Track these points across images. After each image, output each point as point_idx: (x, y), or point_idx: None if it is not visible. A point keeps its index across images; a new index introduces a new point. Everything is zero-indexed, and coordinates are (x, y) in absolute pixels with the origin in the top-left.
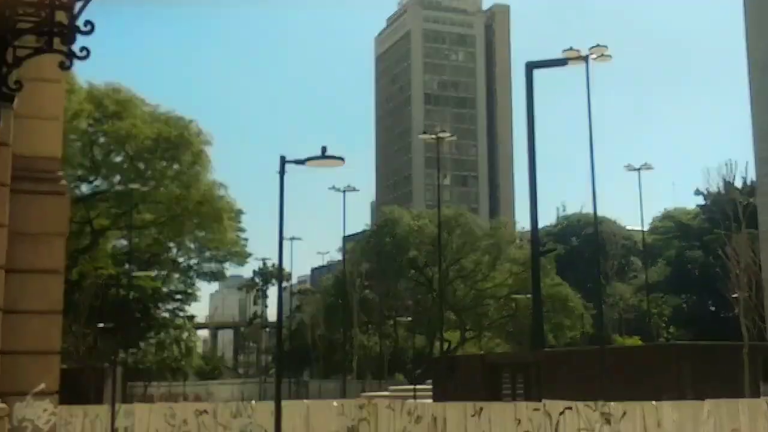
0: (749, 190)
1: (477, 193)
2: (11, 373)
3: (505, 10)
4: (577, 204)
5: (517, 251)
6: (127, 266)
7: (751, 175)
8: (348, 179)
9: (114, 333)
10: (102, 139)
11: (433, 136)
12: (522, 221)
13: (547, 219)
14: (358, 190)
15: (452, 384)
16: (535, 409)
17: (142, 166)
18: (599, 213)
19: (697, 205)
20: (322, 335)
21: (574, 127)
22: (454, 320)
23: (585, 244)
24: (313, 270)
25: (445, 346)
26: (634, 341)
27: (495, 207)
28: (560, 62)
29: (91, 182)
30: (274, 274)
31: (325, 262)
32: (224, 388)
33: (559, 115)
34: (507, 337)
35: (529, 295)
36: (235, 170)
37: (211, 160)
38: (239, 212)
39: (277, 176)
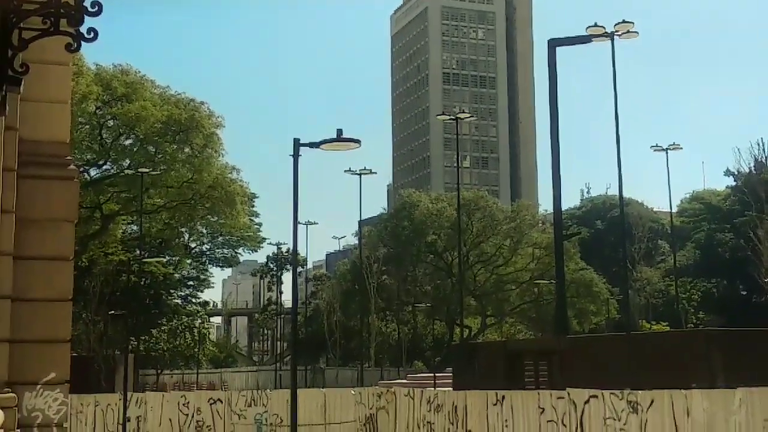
0: None
1: (498, 174)
2: (20, 362)
3: None
4: (602, 185)
5: (540, 235)
6: (137, 252)
7: None
8: (364, 162)
9: (125, 320)
10: (111, 122)
11: (452, 116)
12: (545, 204)
13: (570, 201)
14: (374, 173)
15: (473, 372)
16: (559, 398)
17: (152, 149)
18: (625, 195)
19: (727, 186)
20: (339, 322)
21: (599, 106)
22: (474, 306)
23: (610, 227)
24: (329, 255)
25: (466, 332)
26: (662, 327)
27: (516, 189)
28: (584, 39)
29: (100, 166)
30: (289, 259)
31: (341, 247)
32: (239, 376)
33: (583, 93)
34: (529, 324)
35: (552, 280)
36: (249, 154)
37: (223, 142)
38: (252, 196)
39: (291, 159)
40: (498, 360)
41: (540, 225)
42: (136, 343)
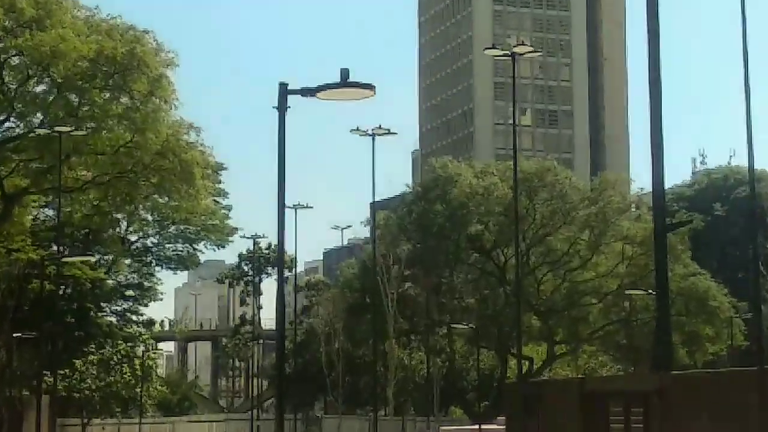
0: None
1: (572, 137)
2: None
3: None
4: (723, 153)
5: (633, 225)
6: (54, 248)
7: None
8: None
9: (37, 346)
10: (15, 59)
11: (506, 50)
12: (640, 179)
13: (678, 175)
14: (393, 134)
15: (536, 422)
16: None
17: (74, 98)
18: (757, 166)
19: None
20: (342, 350)
21: (718, 54)
22: (537, 328)
23: (734, 213)
24: (328, 253)
25: (525, 366)
26: None
27: (599, 158)
28: None
29: (0, 123)
30: (271, 259)
31: (345, 242)
32: (198, 427)
33: (697, 29)
34: (617, 354)
35: (650, 291)
36: (214, 109)
37: (176, 90)
38: (218, 168)
39: (275, 115)
40: (571, 405)
41: (633, 210)
42: (52, 379)
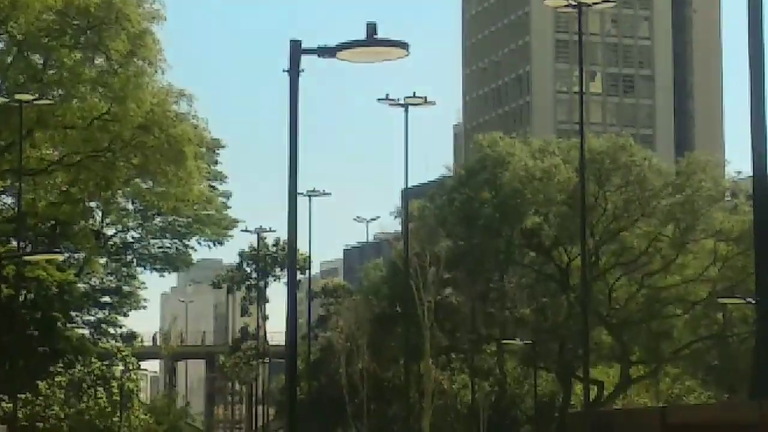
0: None
1: (652, 108)
2: None
3: None
4: None
5: (728, 217)
6: (13, 244)
7: None
8: (414, 86)
9: None
10: None
11: (571, 1)
12: (737, 160)
13: None
14: (431, 104)
15: None
16: None
17: (38, 60)
18: None
19: None
20: (367, 371)
21: None
22: (609, 345)
23: None
24: (349, 252)
25: (593, 392)
26: None
27: (685, 134)
28: None
29: None
30: (281, 258)
31: (370, 237)
32: None
33: None
34: (708, 377)
35: (750, 300)
36: (211, 73)
37: (163, 50)
38: (216, 145)
39: (286, 81)
40: None
41: (728, 199)
42: (11, 405)
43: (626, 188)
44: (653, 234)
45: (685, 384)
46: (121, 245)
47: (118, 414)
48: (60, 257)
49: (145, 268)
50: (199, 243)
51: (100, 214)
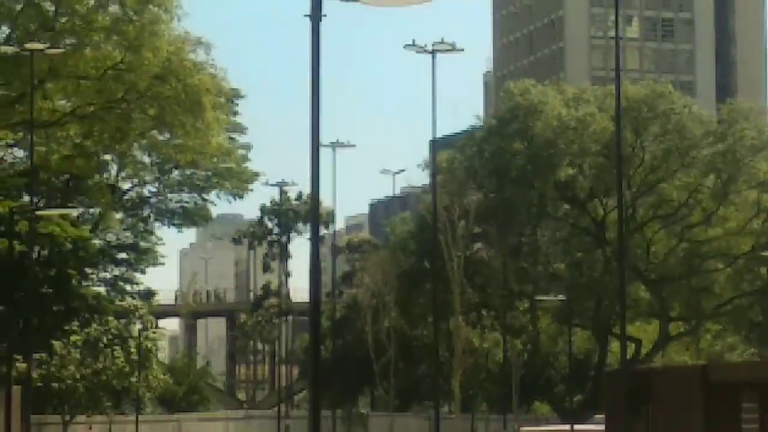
0: None
1: (692, 53)
2: None
3: None
4: None
5: None
6: (26, 199)
7: None
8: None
9: (6, 323)
10: None
11: None
12: None
13: None
14: (460, 50)
15: (644, 422)
16: None
17: (49, 7)
18: None
19: None
20: (394, 329)
21: None
22: (646, 301)
23: None
24: (375, 205)
25: (631, 349)
26: None
27: (727, 81)
28: None
29: None
30: (303, 212)
31: (397, 190)
32: (211, 427)
33: None
34: (749, 334)
35: None
36: (229, 20)
37: None
38: (235, 95)
39: (307, 26)
40: (691, 401)
41: None
42: (25, 366)
43: (665, 137)
44: (693, 185)
45: (726, 341)
46: (137, 200)
47: (136, 374)
48: (74, 212)
49: (162, 224)
50: (219, 197)
51: (115, 167)
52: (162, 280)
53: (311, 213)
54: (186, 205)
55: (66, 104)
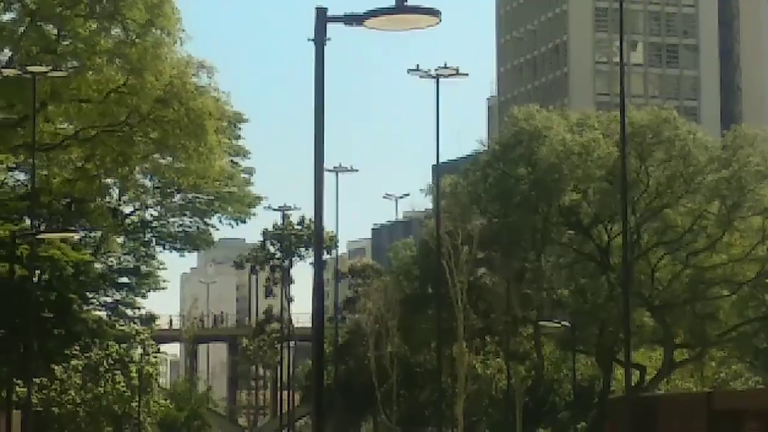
0: None
1: (697, 79)
2: None
3: None
4: None
5: None
6: (27, 222)
7: None
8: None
9: (6, 347)
10: None
11: None
12: None
13: None
14: (464, 75)
15: None
16: None
17: (52, 30)
18: None
19: None
20: (397, 355)
21: None
22: (651, 328)
23: None
24: (378, 230)
25: (635, 376)
26: None
27: (731, 107)
28: None
29: None
30: (306, 237)
31: (400, 215)
32: None
33: None
34: (755, 361)
35: None
36: (233, 45)
37: (182, 18)
38: (238, 119)
39: (311, 51)
40: (696, 428)
41: None
42: (25, 390)
43: (669, 163)
44: (698, 211)
45: (731, 368)
46: (139, 223)
47: (137, 399)
48: (75, 236)
49: (164, 248)
50: (221, 221)
51: (117, 191)
52: (163, 304)
53: (315, 237)
54: (188, 229)
55: (68, 127)
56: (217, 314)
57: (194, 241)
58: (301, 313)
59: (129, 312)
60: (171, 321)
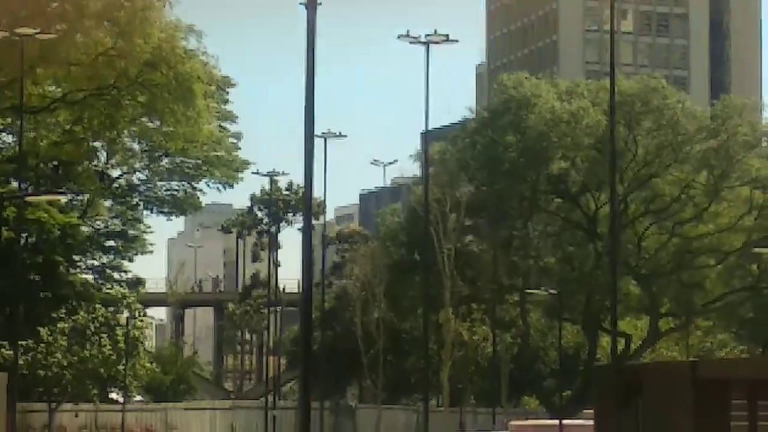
0: None
1: (686, 48)
2: None
3: None
4: None
5: (766, 163)
6: (14, 184)
7: None
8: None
9: None
10: None
11: None
12: None
13: None
14: (453, 41)
15: (634, 418)
16: None
17: None
18: None
19: None
20: (384, 321)
21: None
22: (637, 296)
23: None
24: (365, 196)
25: (621, 345)
26: None
27: (721, 77)
28: None
29: None
30: (294, 202)
31: (388, 182)
32: (197, 416)
33: None
34: (740, 330)
35: None
36: (227, 13)
37: None
38: (227, 83)
39: (302, 15)
40: (682, 395)
41: (765, 144)
42: (11, 353)
43: (658, 132)
44: (686, 181)
45: (717, 338)
46: (126, 187)
47: (123, 362)
48: (63, 199)
49: (151, 212)
50: (209, 186)
51: (104, 154)
52: (150, 268)
53: (304, 202)
54: (175, 193)
55: (56, 90)
56: (204, 279)
57: (181, 206)
58: (288, 278)
59: (116, 275)
60: (161, 284)
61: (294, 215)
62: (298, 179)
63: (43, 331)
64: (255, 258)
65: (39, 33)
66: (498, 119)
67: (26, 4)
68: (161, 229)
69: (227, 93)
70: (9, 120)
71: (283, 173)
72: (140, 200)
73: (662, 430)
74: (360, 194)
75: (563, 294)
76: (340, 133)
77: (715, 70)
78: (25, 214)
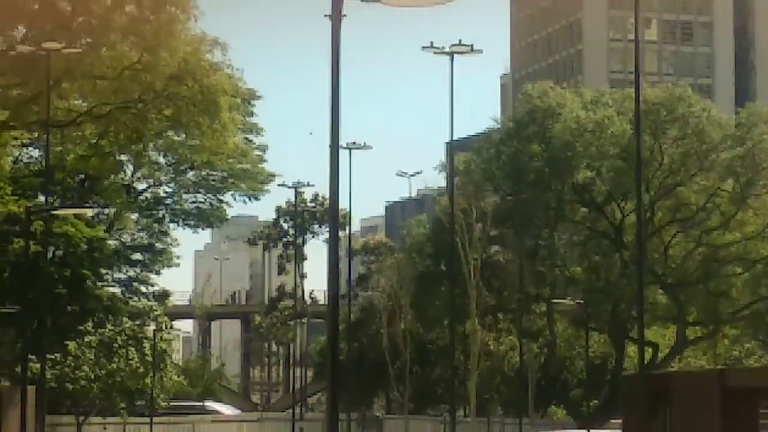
0: None
1: (711, 56)
2: None
3: None
4: None
5: None
6: (41, 198)
7: None
8: (460, 34)
9: (20, 324)
10: None
11: None
12: None
13: None
14: (478, 52)
15: (662, 425)
16: None
17: (66, 7)
18: None
19: None
20: (410, 332)
21: None
22: (664, 305)
23: None
24: (391, 207)
25: (648, 354)
26: None
27: (746, 85)
28: None
29: None
30: (319, 214)
31: (413, 193)
32: (225, 428)
33: None
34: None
35: None
36: (245, 21)
37: None
38: (252, 96)
39: (326, 27)
40: (709, 406)
41: None
42: (39, 366)
43: (683, 141)
44: (712, 189)
45: (744, 346)
46: (152, 200)
47: (151, 375)
48: (89, 212)
49: (177, 225)
50: (234, 198)
51: (130, 167)
52: (177, 281)
53: (330, 214)
54: (201, 205)
55: (82, 104)
56: (230, 291)
57: (208, 218)
58: (314, 290)
59: (142, 288)
60: (188, 297)
61: (320, 227)
62: (324, 191)
63: (71, 345)
64: (281, 270)
65: (65, 47)
66: (523, 129)
67: (52, 18)
68: (187, 242)
69: (253, 105)
70: (36, 134)
71: (309, 185)
72: (166, 213)
73: None
74: (385, 205)
75: (590, 303)
76: (365, 144)
77: (740, 77)
78: (52, 228)
